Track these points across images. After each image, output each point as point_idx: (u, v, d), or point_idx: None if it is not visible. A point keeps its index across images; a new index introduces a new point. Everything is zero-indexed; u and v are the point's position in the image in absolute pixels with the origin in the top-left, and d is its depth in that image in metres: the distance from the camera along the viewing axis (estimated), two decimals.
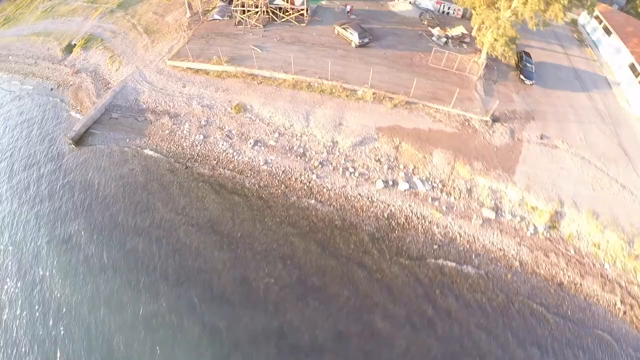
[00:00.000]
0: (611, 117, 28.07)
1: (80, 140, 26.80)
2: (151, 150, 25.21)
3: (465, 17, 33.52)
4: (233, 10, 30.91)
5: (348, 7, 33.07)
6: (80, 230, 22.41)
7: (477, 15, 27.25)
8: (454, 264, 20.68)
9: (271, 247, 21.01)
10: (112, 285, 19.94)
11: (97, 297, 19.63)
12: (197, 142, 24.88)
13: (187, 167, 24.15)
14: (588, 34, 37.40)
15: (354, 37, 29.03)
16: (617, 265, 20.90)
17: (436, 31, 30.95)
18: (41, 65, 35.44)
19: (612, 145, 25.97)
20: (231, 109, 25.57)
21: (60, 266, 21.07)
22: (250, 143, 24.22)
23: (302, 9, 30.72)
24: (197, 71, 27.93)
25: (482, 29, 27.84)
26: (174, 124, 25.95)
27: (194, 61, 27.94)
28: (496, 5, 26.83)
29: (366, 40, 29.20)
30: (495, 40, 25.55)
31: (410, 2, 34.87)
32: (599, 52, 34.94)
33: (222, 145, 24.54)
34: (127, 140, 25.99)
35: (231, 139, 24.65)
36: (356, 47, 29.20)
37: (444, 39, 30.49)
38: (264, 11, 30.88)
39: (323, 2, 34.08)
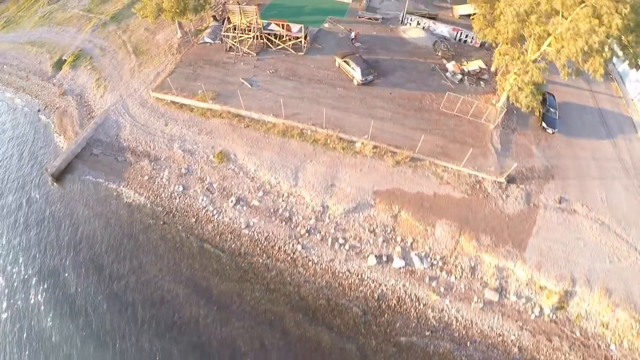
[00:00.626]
0: (635, 169, 22.69)
1: (60, 176, 22.73)
2: (130, 196, 21.07)
3: (484, 47, 27.30)
4: (223, 35, 25.30)
5: (353, 34, 26.73)
6: (61, 269, 19.32)
7: (500, 55, 21.38)
8: (446, 350, 16.83)
9: (250, 322, 17.14)
10: (92, 330, 17.15)
11: (78, 341, 16.88)
12: (176, 194, 20.53)
13: (164, 223, 20.06)
14: (614, 64, 30.77)
15: (356, 73, 23.18)
16: (623, 345, 16.86)
17: (451, 66, 24.86)
18: (32, 81, 30.74)
19: (635, 204, 20.89)
20: (214, 156, 20.87)
21: (42, 303, 18.19)
22: (232, 201, 19.78)
23: (300, 37, 24.88)
24: (181, 106, 22.97)
25: (504, 70, 22.14)
26: (153, 169, 21.54)
27: (177, 95, 22.96)
28: (523, 47, 20.97)
29: (370, 77, 23.32)
30: (520, 89, 20.00)
31: (423, 28, 28.23)
32: (625, 87, 28.63)
33: (202, 200, 20.16)
34: (107, 183, 21.87)
35: (212, 193, 20.24)
36: (358, 85, 23.43)
37: (459, 76, 24.46)
38: (257, 36, 25.22)
39: (325, 26, 27.57)
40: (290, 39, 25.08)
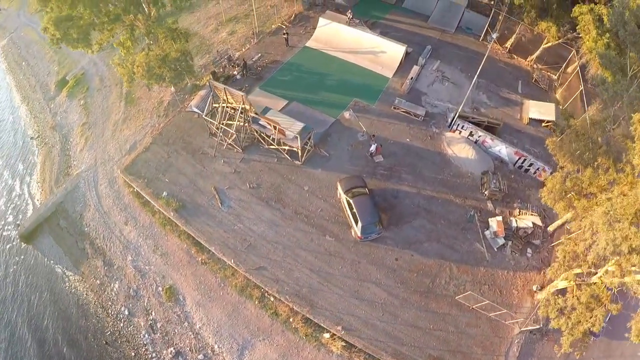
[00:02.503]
0: None
1: (29, 237, 18.50)
2: (82, 296, 16.52)
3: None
4: (205, 117, 16.66)
5: (373, 147, 16.59)
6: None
7: (565, 254, 12.15)
8: None
9: None
10: None
11: None
12: (121, 317, 15.64)
13: (107, 343, 15.82)
14: None
15: (356, 226, 14.47)
16: None
17: (495, 223, 15.14)
18: (37, 95, 25.35)
19: None
20: (163, 290, 15.11)
21: None
22: (171, 352, 14.45)
23: (295, 147, 15.82)
24: (144, 203, 16.67)
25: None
26: (105, 275, 16.50)
27: (142, 189, 16.42)
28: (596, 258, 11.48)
29: (373, 236, 14.72)
30: (570, 327, 11.51)
31: (476, 141, 17.24)
32: None
33: (144, 337, 15.05)
34: (65, 269, 17.44)
35: (154, 333, 15.06)
36: (356, 239, 14.91)
37: (502, 241, 15.04)
38: (245, 127, 16.50)
39: (345, 116, 17.74)
40: (283, 144, 16.23)
